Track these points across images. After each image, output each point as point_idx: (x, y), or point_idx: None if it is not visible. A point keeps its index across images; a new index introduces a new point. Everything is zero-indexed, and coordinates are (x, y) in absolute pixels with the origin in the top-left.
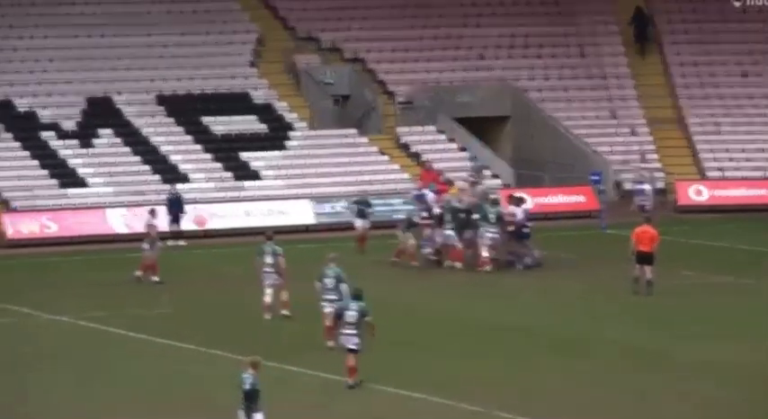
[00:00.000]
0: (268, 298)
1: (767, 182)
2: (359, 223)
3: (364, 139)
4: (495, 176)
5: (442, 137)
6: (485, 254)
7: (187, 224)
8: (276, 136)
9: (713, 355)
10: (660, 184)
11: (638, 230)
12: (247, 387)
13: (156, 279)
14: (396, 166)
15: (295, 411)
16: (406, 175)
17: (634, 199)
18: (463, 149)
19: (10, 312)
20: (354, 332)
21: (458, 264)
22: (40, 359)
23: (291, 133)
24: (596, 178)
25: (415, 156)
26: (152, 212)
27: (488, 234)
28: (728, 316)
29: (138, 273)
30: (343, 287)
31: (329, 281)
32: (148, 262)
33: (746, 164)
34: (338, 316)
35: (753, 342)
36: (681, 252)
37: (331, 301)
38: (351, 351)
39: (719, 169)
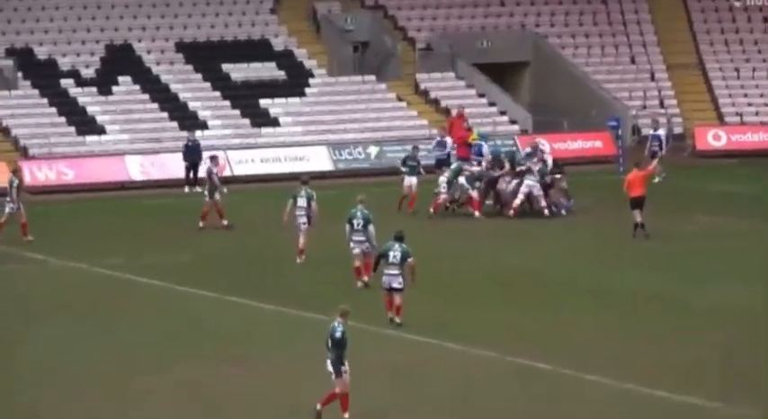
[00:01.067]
0: (301, 240)
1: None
2: (409, 181)
3: (383, 86)
4: (513, 122)
5: (461, 83)
6: (518, 201)
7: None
8: (295, 83)
9: (728, 300)
10: (678, 129)
11: (629, 176)
12: (338, 335)
13: (224, 223)
14: (414, 113)
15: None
16: (424, 121)
17: (648, 145)
18: (482, 95)
19: (27, 259)
20: (398, 272)
21: (477, 213)
22: (55, 308)
23: (311, 80)
24: (614, 124)
25: (434, 103)
26: (213, 159)
27: (530, 182)
28: (742, 261)
29: (201, 224)
30: (371, 229)
31: (357, 222)
32: (207, 209)
33: (765, 109)
34: (382, 255)
35: (766, 286)
36: (697, 197)
37: (359, 242)
38: (396, 290)
39: (738, 114)
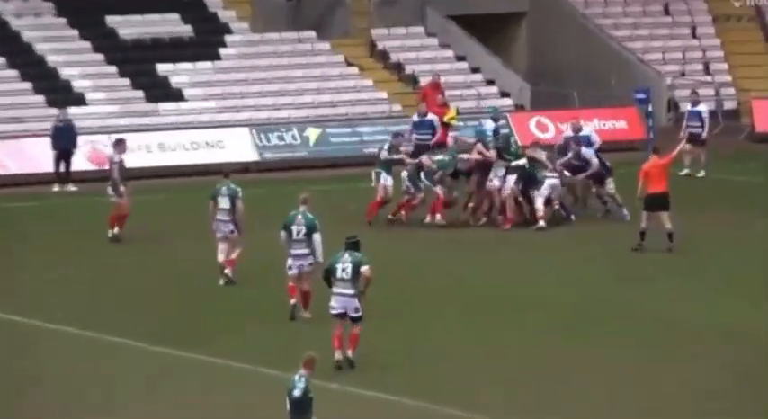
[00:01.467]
0: (222, 256)
1: None
2: (385, 180)
3: (326, 45)
4: (505, 94)
5: (433, 41)
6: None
7: (80, 162)
8: (206, 41)
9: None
10: (729, 104)
11: (646, 166)
12: (297, 393)
13: (112, 232)
14: (368, 82)
15: None
16: (382, 94)
17: (684, 124)
18: (461, 58)
19: None
20: (353, 291)
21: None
22: None
23: (227, 38)
24: (643, 96)
25: (396, 68)
26: (118, 144)
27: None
28: None
29: (115, 231)
30: (316, 238)
31: (298, 229)
32: (121, 213)
33: None
34: (329, 271)
35: None
36: (753, 196)
37: (300, 256)
38: (352, 319)
39: None
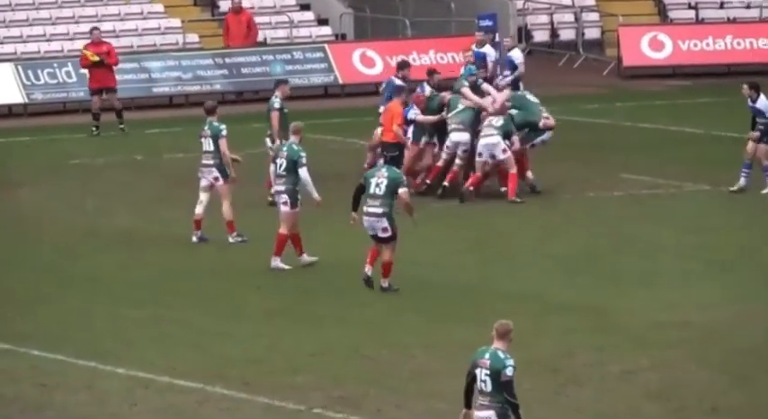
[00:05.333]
0: (199, 209)
1: (762, 27)
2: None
3: None
4: (323, 22)
5: None
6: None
7: None
8: None
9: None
10: (592, 33)
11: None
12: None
13: None
14: (159, 7)
15: None
16: (175, 22)
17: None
18: None
19: None
20: (381, 210)
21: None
22: None
23: None
24: (488, 24)
25: None
26: None
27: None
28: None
29: None
30: (303, 174)
31: (279, 163)
32: None
33: None
34: (361, 188)
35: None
36: (622, 142)
37: (278, 192)
38: (380, 239)
39: (691, 7)
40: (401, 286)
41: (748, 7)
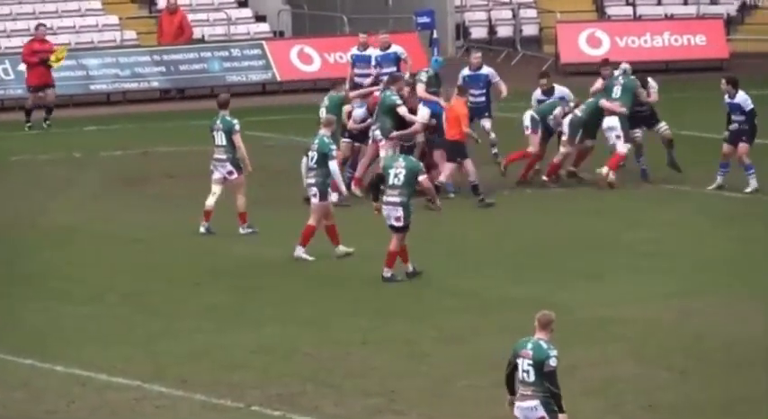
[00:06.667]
0: (210, 201)
1: (699, 24)
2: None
3: None
4: (261, 18)
5: None
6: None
7: None
8: None
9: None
10: (530, 30)
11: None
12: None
13: None
14: (97, 4)
15: None
16: (113, 19)
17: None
18: None
19: None
20: (399, 200)
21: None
22: None
23: None
24: (426, 20)
25: None
26: None
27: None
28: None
29: None
30: (333, 165)
31: (313, 155)
32: None
33: None
34: (380, 179)
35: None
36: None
37: (309, 185)
38: (393, 228)
39: (630, 3)
40: (347, 282)
41: (686, 3)
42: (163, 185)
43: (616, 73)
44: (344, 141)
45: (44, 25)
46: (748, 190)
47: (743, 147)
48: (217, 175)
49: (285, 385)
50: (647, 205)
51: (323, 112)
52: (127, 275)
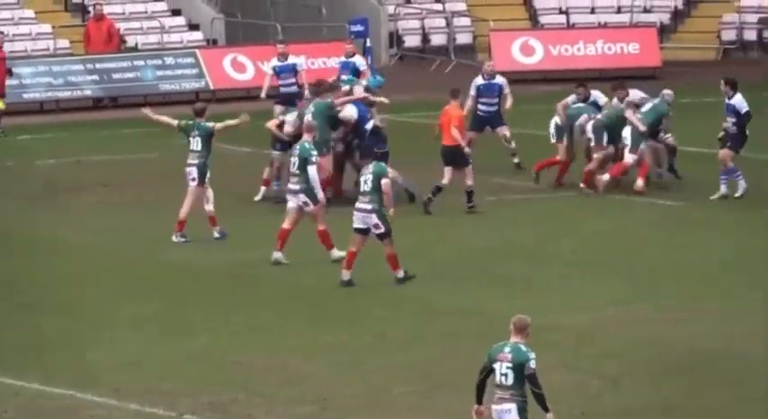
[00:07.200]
0: (184, 209)
1: (632, 32)
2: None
3: None
4: (194, 27)
5: None
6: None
7: None
8: None
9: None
10: (464, 38)
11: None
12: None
13: None
14: (30, 13)
15: None
16: (46, 28)
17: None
18: None
19: None
20: (370, 207)
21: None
22: None
23: None
24: (359, 29)
25: None
26: None
27: None
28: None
29: None
30: (311, 171)
31: (294, 161)
32: None
33: (605, 3)
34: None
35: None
36: (492, 147)
37: (294, 192)
38: (377, 235)
39: (562, 12)
40: (280, 290)
41: (619, 12)
42: (97, 194)
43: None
44: (275, 153)
45: (2, 33)
46: (714, 197)
47: (724, 152)
48: (191, 182)
49: (217, 393)
50: (583, 214)
51: (309, 119)
52: (61, 283)
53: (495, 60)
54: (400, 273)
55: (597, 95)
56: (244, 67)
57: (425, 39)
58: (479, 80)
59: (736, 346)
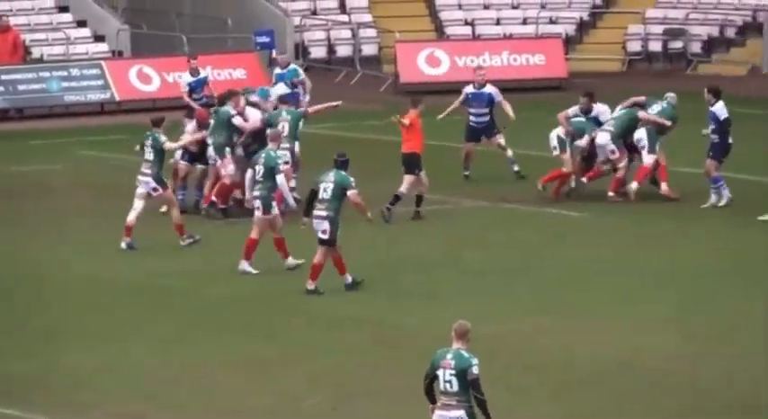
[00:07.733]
0: (131, 216)
1: (537, 43)
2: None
3: None
4: (100, 38)
5: None
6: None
7: None
8: None
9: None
10: (369, 49)
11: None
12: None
13: None
14: None
15: None
16: None
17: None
18: None
19: None
20: (326, 214)
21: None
22: None
23: None
24: (265, 40)
25: None
26: None
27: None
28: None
29: None
30: (280, 179)
31: (259, 169)
32: None
33: (511, 13)
34: (313, 194)
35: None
36: (398, 159)
37: (255, 197)
38: (319, 241)
39: (468, 23)
40: (191, 301)
41: (524, 23)
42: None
43: (666, 100)
44: (182, 163)
45: None
46: (706, 205)
47: (707, 163)
48: (140, 190)
49: (127, 405)
50: (484, 224)
51: (284, 127)
52: None
53: (401, 71)
54: (311, 286)
55: (600, 111)
56: (149, 79)
57: (331, 50)
58: (470, 88)
59: (643, 359)
